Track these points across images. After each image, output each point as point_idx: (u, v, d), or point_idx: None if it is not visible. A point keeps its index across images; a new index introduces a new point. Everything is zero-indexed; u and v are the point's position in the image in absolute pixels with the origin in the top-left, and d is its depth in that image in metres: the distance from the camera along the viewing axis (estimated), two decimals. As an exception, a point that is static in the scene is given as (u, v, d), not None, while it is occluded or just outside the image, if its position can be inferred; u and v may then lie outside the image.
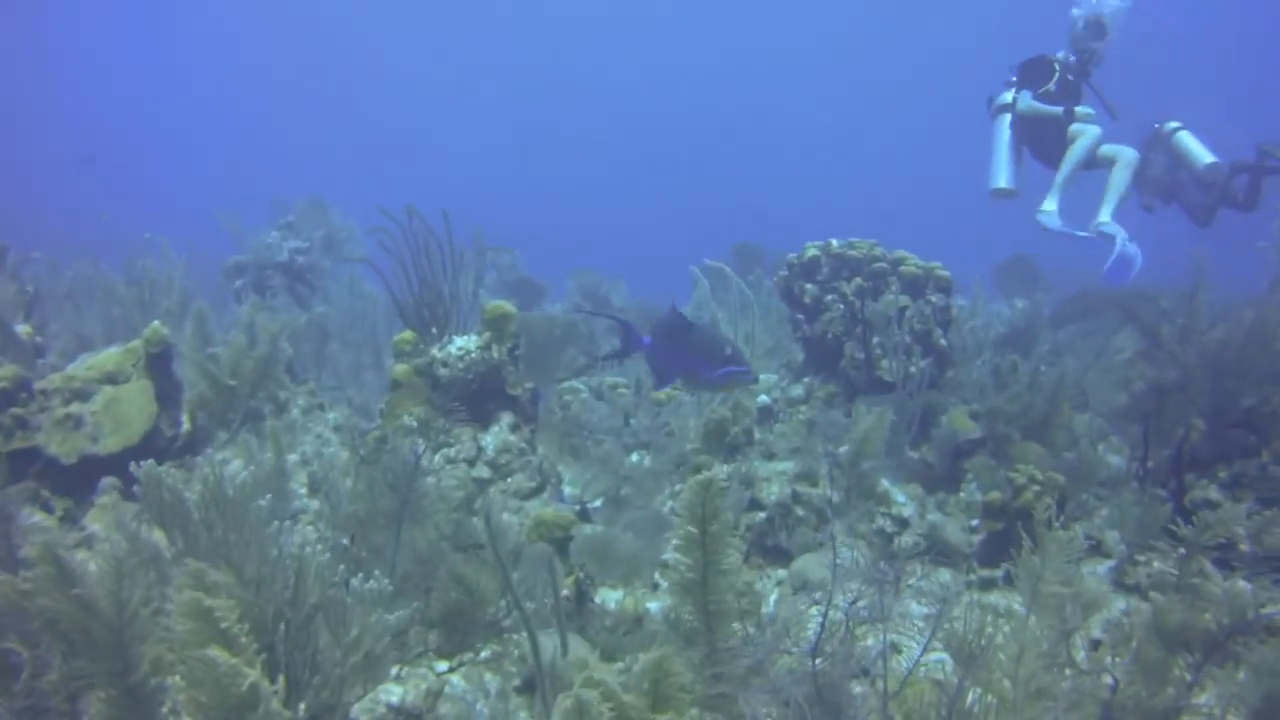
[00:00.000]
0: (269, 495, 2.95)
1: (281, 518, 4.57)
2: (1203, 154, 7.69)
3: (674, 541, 2.80)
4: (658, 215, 36.55)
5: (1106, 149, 7.60)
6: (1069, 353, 8.10)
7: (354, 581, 2.79)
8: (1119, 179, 7.43)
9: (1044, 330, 9.27)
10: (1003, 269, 10.86)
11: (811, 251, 6.93)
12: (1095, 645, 3.02)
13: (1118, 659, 2.58)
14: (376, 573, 2.85)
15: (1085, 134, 7.56)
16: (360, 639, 2.71)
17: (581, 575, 4.09)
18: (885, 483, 5.24)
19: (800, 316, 6.89)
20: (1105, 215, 7.38)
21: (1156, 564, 4.40)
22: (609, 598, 4.31)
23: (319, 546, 2.77)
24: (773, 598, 4.66)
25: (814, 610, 2.88)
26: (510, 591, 3.25)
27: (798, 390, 6.78)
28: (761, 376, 7.23)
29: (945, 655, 2.60)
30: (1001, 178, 8.07)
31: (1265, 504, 4.66)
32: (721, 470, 5.37)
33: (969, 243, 12.64)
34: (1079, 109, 7.68)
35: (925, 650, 2.73)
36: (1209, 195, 7.71)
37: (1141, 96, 8.41)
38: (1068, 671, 2.45)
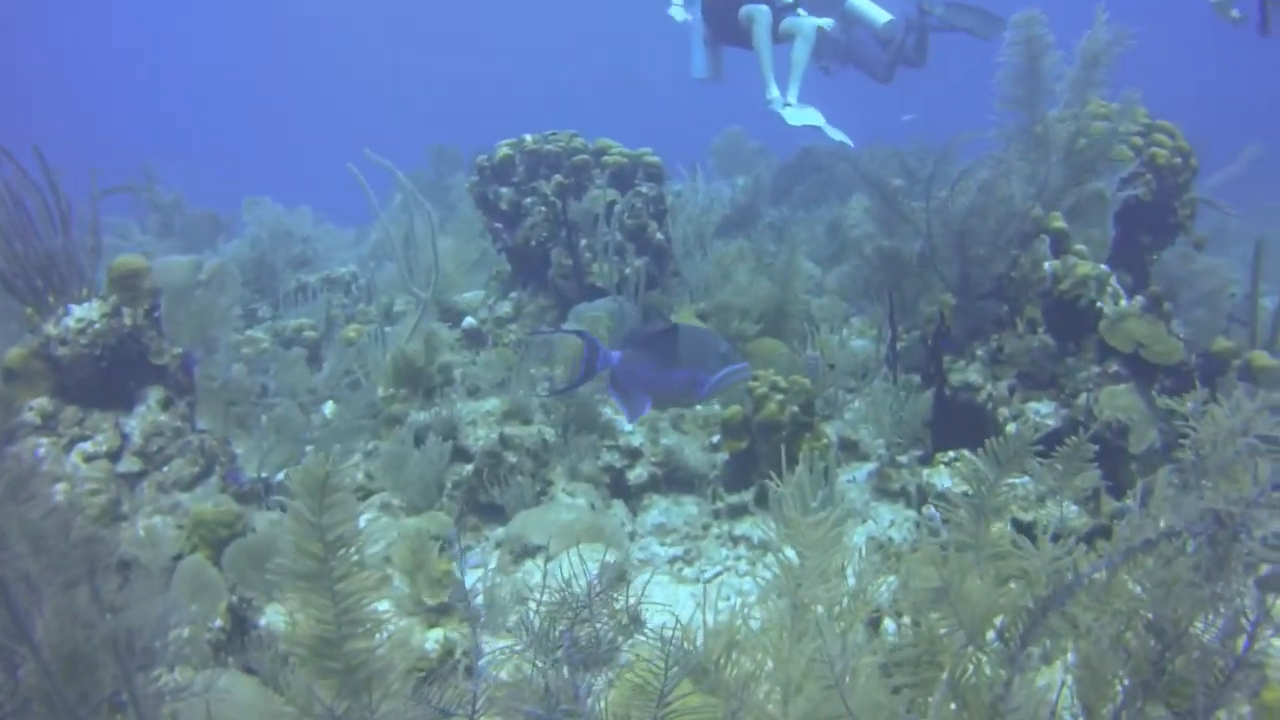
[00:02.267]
0: None
1: None
2: (879, 13, 7.90)
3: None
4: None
5: (787, 23, 7.49)
6: (795, 226, 7.55)
7: None
8: (800, 54, 7.35)
9: (767, 205, 8.72)
10: (720, 146, 10.22)
11: (504, 150, 6.08)
12: (875, 623, 2.36)
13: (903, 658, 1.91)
14: None
15: (756, 16, 7.41)
16: None
17: (235, 599, 3.22)
18: (608, 410, 4.52)
19: (499, 225, 6.06)
20: (773, 92, 7.34)
21: (928, 474, 3.82)
22: (280, 617, 3.44)
23: None
24: (491, 563, 3.90)
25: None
26: (51, 684, 2.33)
27: (506, 307, 5.98)
28: (467, 294, 6.41)
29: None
30: (697, 67, 8.14)
31: (1025, 379, 4.15)
32: (419, 417, 4.54)
33: (686, 123, 12.01)
34: None
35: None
36: (888, 52, 7.99)
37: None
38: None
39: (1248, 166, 9.08)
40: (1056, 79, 4.59)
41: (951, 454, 3.78)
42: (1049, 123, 4.53)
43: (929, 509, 3.52)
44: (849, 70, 8.35)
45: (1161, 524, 2.03)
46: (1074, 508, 3.49)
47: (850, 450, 4.45)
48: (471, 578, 3.89)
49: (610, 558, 3.54)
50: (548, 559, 3.79)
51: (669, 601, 3.55)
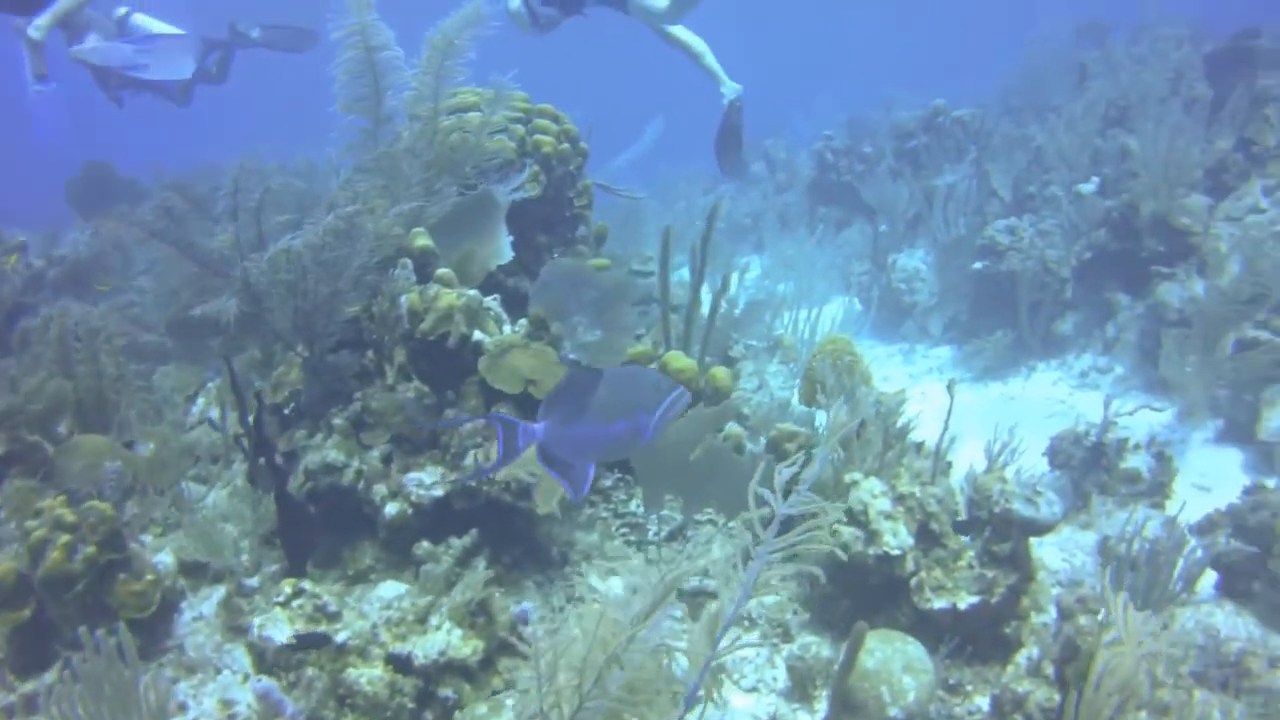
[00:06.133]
0: None
1: None
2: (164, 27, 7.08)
3: None
4: None
5: None
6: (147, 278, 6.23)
7: None
8: None
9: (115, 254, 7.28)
10: (78, 184, 8.59)
11: None
12: None
13: None
14: None
15: None
16: None
17: None
18: None
19: None
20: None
21: (259, 623, 2.81)
22: None
23: None
24: None
25: None
26: None
27: None
28: None
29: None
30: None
31: (402, 443, 3.28)
32: None
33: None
34: None
35: None
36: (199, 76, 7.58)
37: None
38: None
39: (652, 144, 8.88)
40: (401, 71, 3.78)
41: (288, 589, 2.79)
42: (408, 108, 3.70)
43: (259, 681, 2.51)
44: (144, 96, 7.46)
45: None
46: (458, 631, 2.64)
47: (198, 574, 3.39)
48: None
49: None
50: None
51: None
